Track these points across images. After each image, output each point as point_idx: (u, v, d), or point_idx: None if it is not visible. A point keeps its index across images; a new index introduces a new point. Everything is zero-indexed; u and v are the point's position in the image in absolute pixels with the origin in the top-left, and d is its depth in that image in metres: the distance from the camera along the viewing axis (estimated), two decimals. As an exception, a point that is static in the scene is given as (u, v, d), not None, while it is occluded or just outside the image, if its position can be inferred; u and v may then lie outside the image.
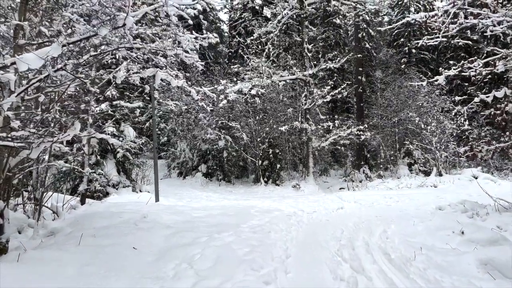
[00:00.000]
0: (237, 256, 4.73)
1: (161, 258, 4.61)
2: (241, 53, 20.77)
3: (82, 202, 9.02)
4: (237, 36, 27.91)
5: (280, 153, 19.54)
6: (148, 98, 21.50)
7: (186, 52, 6.63)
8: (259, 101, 18.81)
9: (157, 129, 23.28)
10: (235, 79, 19.79)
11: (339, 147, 22.07)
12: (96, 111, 12.87)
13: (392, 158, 21.71)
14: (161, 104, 19.62)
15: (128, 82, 14.44)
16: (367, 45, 26.33)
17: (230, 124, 18.64)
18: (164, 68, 6.58)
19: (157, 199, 10.94)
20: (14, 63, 3.68)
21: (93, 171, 12.14)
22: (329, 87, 19.12)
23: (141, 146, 13.96)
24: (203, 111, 18.82)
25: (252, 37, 19.40)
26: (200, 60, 7.21)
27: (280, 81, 19.17)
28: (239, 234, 6.11)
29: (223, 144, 18.91)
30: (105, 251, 4.62)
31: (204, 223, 7.28)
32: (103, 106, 12.94)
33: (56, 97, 5.35)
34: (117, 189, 13.21)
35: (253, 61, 18.85)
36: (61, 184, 9.49)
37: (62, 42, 3.75)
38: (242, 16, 28.50)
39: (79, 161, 9.91)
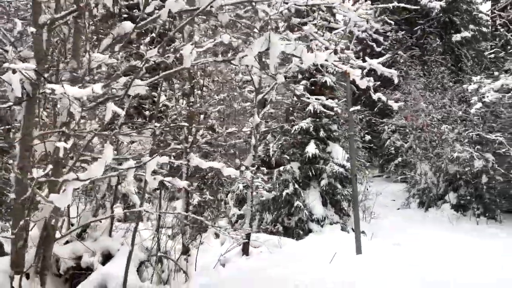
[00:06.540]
0: None
1: None
2: (508, 35, 14.64)
3: (245, 251, 6.67)
4: (502, 23, 20.86)
5: None
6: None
7: None
8: (538, 100, 12.42)
9: (392, 148, 19.45)
10: (496, 73, 13.96)
11: None
12: (296, 129, 10.66)
13: None
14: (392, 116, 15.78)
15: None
16: None
17: (490, 137, 12.94)
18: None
19: (358, 251, 7.45)
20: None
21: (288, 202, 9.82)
22: None
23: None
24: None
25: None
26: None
27: None
28: None
29: (481, 165, 13.33)
30: None
31: None
32: (302, 123, 10.58)
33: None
34: (322, 225, 10.43)
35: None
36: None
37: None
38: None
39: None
